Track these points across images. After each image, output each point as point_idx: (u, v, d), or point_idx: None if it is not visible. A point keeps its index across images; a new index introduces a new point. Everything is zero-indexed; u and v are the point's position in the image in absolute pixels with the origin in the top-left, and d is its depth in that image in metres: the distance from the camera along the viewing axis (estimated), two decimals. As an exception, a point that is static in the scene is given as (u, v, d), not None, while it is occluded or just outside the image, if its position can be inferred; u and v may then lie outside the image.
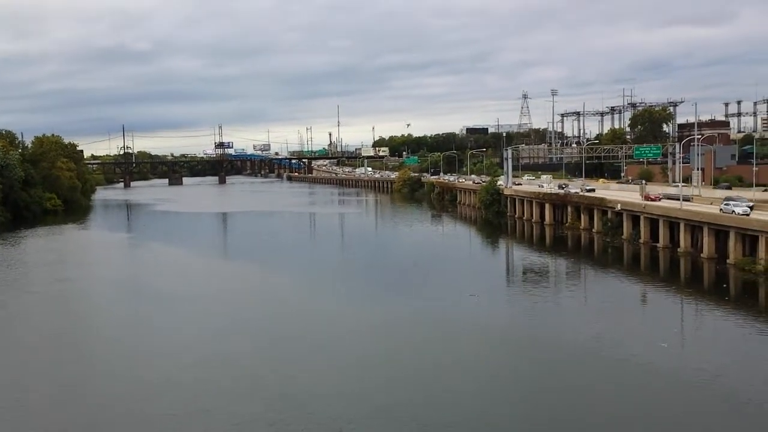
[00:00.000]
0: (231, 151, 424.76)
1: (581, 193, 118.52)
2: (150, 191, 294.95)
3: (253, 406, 37.83)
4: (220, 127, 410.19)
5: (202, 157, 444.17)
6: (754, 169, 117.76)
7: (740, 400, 37.51)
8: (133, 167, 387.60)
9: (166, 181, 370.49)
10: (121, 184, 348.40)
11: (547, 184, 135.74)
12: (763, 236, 70.95)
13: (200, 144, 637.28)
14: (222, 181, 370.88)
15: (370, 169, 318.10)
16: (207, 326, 56.50)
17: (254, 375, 43.27)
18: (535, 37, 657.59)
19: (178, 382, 42.47)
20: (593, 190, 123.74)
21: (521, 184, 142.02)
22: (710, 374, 41.50)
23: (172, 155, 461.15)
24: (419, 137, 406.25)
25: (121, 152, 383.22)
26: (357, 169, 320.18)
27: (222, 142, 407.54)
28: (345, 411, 36.88)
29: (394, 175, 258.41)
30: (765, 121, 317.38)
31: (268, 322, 57.44)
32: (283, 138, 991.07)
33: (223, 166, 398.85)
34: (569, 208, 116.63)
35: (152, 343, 52.08)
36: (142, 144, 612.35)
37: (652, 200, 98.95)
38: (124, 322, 59.61)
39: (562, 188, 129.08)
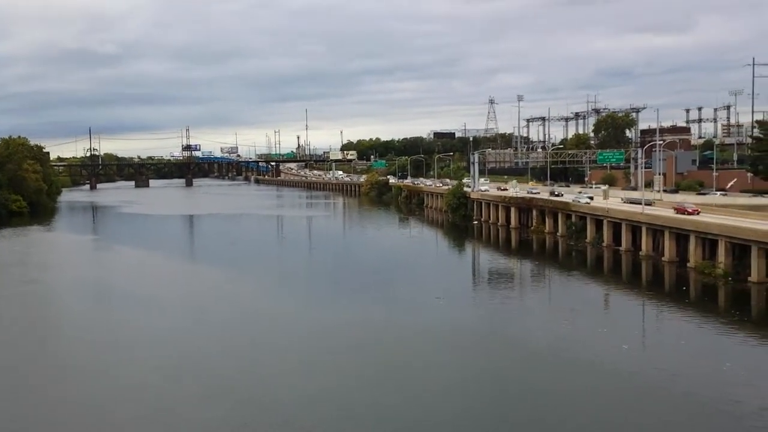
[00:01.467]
0: (198, 153, 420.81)
1: (547, 197, 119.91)
2: (116, 193, 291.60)
3: (210, 408, 37.97)
4: (188, 130, 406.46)
5: (169, 160, 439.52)
6: (714, 174, 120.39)
7: (695, 399, 38.65)
8: (99, 169, 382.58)
9: (133, 183, 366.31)
10: (87, 186, 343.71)
11: (513, 189, 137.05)
12: (722, 240, 72.73)
13: (167, 146, 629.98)
14: (189, 184, 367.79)
15: (341, 172, 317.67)
16: (167, 328, 56.45)
17: (213, 377, 43.31)
18: (503, 43, 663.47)
19: (135, 385, 42.36)
20: (592, 198, 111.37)
21: (488, 190, 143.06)
22: (668, 375, 42.59)
23: (138, 157, 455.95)
24: (387, 141, 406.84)
25: (88, 154, 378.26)
26: (329, 173, 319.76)
27: (189, 145, 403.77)
28: (310, 413, 37.16)
29: (363, 179, 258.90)
30: (725, 127, 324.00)
31: (231, 325, 57.30)
32: (251, 141, 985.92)
33: (190, 168, 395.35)
34: (534, 212, 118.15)
35: (111, 345, 51.77)
36: (109, 146, 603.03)
37: (689, 213, 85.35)
38: (86, 324, 59.20)
39: (556, 194, 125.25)
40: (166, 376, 43.94)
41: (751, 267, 68.68)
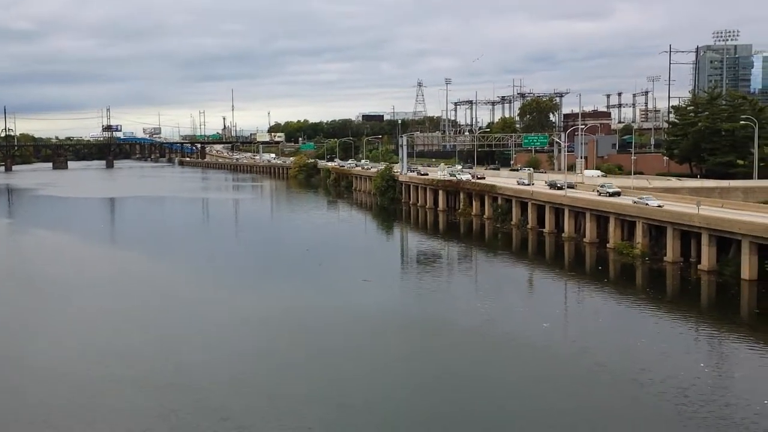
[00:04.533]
0: (119, 134, 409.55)
1: (473, 180, 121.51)
2: (33, 175, 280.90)
3: (132, 397, 37.39)
4: (108, 110, 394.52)
5: (89, 141, 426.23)
6: (633, 158, 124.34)
7: (608, 371, 40.39)
8: (14, 150, 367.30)
9: (50, 165, 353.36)
10: (2, 168, 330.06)
11: (441, 172, 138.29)
12: (639, 222, 75.44)
13: (87, 127, 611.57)
14: (110, 166, 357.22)
15: (273, 155, 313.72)
16: (85, 316, 55.08)
17: (134, 364, 42.61)
18: (430, 26, 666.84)
19: (50, 371, 41.34)
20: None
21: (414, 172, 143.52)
22: (584, 350, 44.33)
23: (57, 138, 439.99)
24: (315, 123, 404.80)
25: (2, 134, 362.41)
26: (261, 155, 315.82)
27: (110, 125, 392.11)
28: (233, 401, 36.93)
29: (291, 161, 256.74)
30: (643, 113, 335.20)
31: (150, 311, 56.27)
32: (175, 122, 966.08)
33: (111, 149, 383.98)
34: (461, 195, 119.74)
35: (25, 333, 50.31)
36: (25, 126, 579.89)
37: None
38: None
39: (523, 184, 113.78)
40: (87, 363, 42.92)
41: (666, 247, 71.56)
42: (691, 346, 46.87)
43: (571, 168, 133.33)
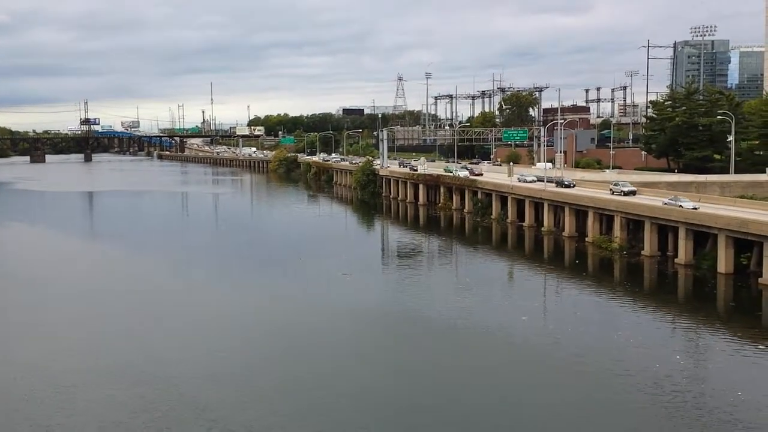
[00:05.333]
0: (98, 127, 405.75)
1: (471, 177, 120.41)
2: (10, 169, 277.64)
3: (108, 387, 37.25)
4: (86, 103, 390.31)
5: (67, 134, 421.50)
6: (611, 152, 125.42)
7: (584, 362, 40.89)
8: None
9: (28, 158, 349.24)
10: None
11: (422, 166, 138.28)
12: (618, 216, 76.08)
13: (65, 120, 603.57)
14: (88, 159, 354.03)
15: (254, 149, 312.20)
16: (65, 307, 54.66)
17: (111, 356, 42.38)
18: (412, 20, 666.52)
19: (25, 364, 41.08)
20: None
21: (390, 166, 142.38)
22: (561, 342, 44.67)
23: (34, 132, 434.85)
24: (296, 117, 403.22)
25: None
26: (242, 149, 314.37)
27: (88, 119, 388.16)
28: (213, 393, 36.89)
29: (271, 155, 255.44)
30: (621, 108, 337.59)
31: (130, 304, 55.88)
32: (154, 115, 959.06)
33: (89, 143, 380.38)
34: (442, 189, 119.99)
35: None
36: (3, 120, 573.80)
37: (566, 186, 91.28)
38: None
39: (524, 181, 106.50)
40: (63, 356, 42.65)
41: (644, 241, 72.28)
42: (668, 339, 47.43)
43: (551, 163, 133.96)
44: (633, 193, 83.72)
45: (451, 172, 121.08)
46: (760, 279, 58.25)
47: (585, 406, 35.28)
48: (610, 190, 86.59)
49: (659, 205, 72.34)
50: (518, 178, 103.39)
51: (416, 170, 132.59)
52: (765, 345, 43.80)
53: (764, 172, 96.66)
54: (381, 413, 34.48)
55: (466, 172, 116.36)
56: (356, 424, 33.27)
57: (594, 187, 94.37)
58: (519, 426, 33.36)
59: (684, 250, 66.80)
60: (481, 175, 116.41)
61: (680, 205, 69.72)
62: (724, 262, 61.96)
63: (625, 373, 38.89)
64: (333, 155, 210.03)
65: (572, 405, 35.39)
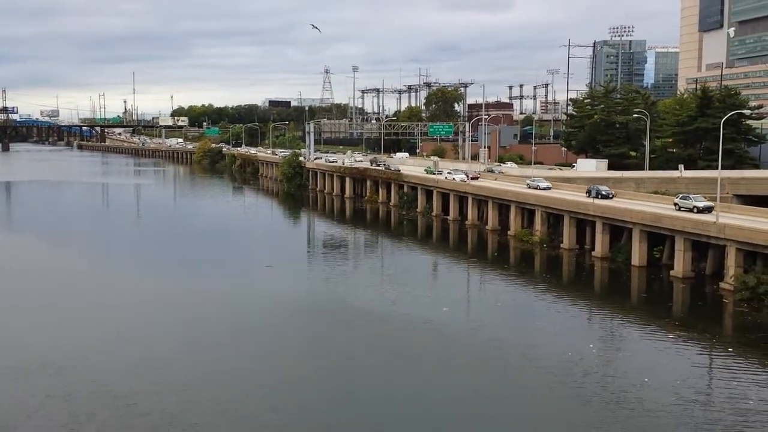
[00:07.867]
0: (16, 116, 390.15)
1: (380, 168, 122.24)
2: None
3: (29, 380, 36.34)
4: (4, 91, 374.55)
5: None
6: (533, 148, 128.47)
7: (497, 348, 42.64)
8: None
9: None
10: None
11: (348, 160, 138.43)
12: (538, 210, 78.19)
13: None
14: (5, 149, 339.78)
15: (180, 140, 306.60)
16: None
17: (29, 349, 41.26)
18: (338, 12, 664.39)
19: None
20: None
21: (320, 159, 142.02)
22: (480, 332, 45.93)
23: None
24: (220, 108, 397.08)
25: None
26: (164, 139, 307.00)
27: (5, 107, 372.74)
28: (133, 385, 36.37)
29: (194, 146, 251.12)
30: (543, 104, 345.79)
31: (45, 297, 54.32)
32: (74, 104, 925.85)
33: (6, 132, 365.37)
34: (368, 182, 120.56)
35: None
36: None
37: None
38: None
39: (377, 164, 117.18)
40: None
41: (563, 234, 74.56)
42: (583, 328, 49.25)
43: (475, 157, 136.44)
44: (548, 188, 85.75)
45: (434, 173, 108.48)
46: (671, 271, 61.01)
47: (498, 390, 36.56)
48: (527, 184, 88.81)
49: (576, 200, 74.74)
50: (529, 183, 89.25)
51: (335, 163, 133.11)
52: (674, 334, 45.92)
53: (677, 169, 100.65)
54: (297, 403, 34.60)
55: (463, 176, 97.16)
56: (274, 413, 33.34)
57: (516, 182, 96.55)
58: (432, 410, 33.86)
59: (600, 244, 69.21)
60: (477, 178, 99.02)
61: (537, 185, 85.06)
62: (638, 255, 64.55)
63: (539, 356, 40.41)
64: (259, 149, 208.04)
65: (485, 388, 36.52)
